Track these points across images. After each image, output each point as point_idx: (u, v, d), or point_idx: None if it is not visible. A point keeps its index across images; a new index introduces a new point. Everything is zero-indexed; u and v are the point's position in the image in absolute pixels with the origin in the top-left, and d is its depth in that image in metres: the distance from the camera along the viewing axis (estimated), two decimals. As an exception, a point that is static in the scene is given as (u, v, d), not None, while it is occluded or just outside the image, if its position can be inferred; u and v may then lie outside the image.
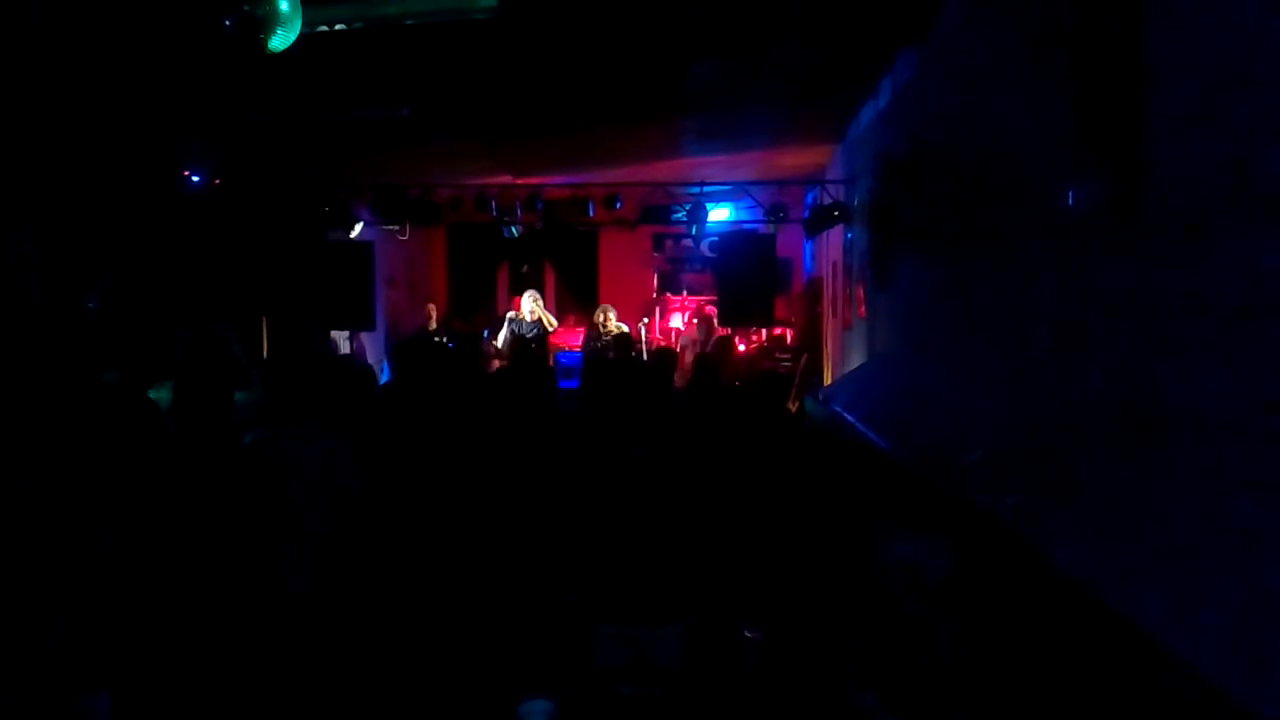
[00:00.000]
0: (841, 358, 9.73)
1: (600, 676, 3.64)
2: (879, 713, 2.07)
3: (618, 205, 10.12)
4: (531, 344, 9.98)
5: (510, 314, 10.83)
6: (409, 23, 4.84)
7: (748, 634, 3.43)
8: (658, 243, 14.17)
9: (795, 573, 4.16)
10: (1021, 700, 2.64)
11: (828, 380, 10.31)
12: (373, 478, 4.10)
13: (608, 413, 4.39)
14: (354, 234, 10.30)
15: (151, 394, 4.27)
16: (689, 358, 10.02)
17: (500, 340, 10.37)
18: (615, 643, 3.65)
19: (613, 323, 10.14)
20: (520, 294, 11.20)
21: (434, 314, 11.92)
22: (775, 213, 10.39)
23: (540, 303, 10.64)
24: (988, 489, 3.50)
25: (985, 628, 2.77)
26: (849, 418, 6.20)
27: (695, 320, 12.42)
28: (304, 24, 4.16)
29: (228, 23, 4.02)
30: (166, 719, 3.31)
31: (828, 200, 9.71)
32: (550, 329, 10.50)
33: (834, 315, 10.39)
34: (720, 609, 3.95)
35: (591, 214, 10.17)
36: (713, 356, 7.30)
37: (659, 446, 3.80)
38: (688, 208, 10.19)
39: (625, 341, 9.00)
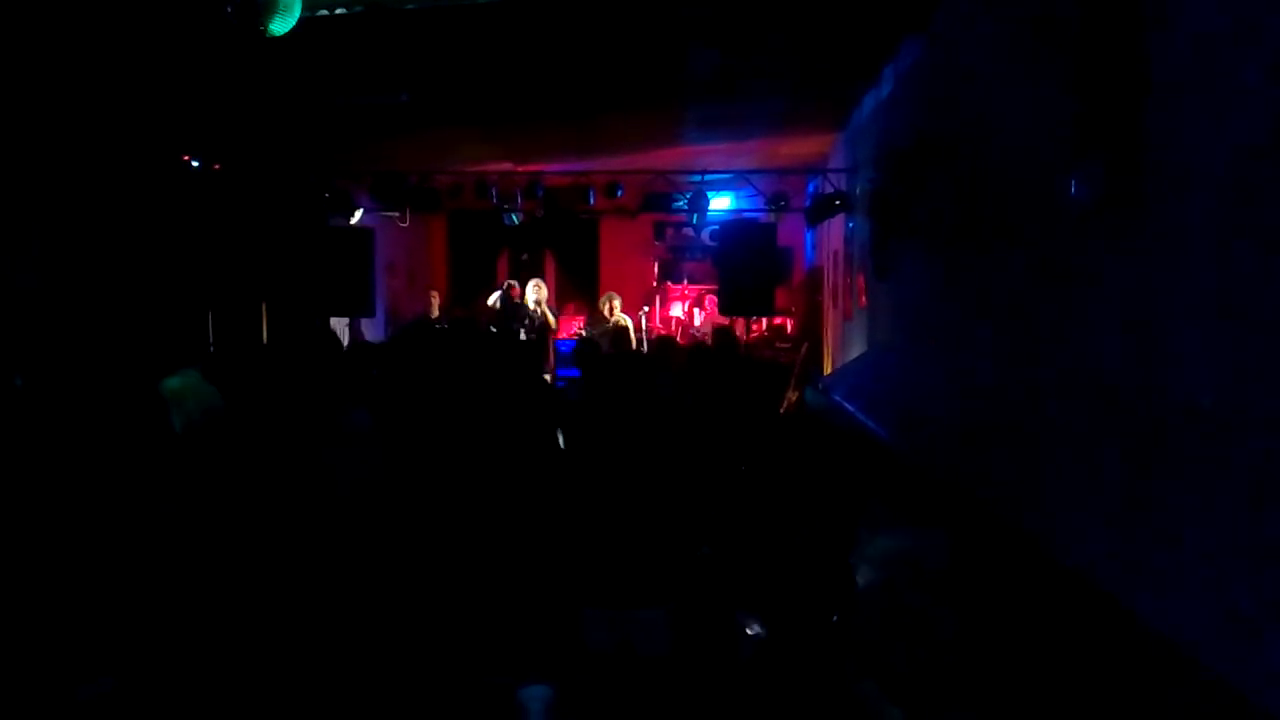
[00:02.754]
0: (842, 347, 9.73)
1: (590, 660, 3.64)
2: (878, 701, 2.07)
3: (618, 193, 10.09)
4: (531, 332, 9.94)
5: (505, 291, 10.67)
6: (409, 7, 4.82)
7: (748, 623, 3.44)
8: (658, 231, 14.16)
9: (795, 561, 4.16)
10: (1020, 688, 2.64)
11: (828, 370, 10.31)
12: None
13: (601, 400, 4.38)
14: (354, 220, 10.28)
15: (173, 381, 4.27)
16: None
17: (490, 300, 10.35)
18: (604, 627, 3.65)
19: (618, 311, 10.09)
20: (520, 281, 11.13)
21: (436, 301, 11.91)
22: (776, 201, 10.37)
23: (544, 293, 10.54)
24: (986, 480, 3.50)
25: (984, 616, 2.77)
26: (849, 407, 6.21)
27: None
28: (304, 8, 4.14)
29: (229, 7, 4.01)
30: (169, 703, 3.31)
31: (829, 189, 9.69)
32: (551, 328, 10.36)
33: (834, 305, 10.38)
34: (714, 595, 3.95)
35: (592, 202, 10.14)
36: (711, 347, 7.27)
37: (653, 430, 3.78)
38: (689, 196, 10.17)
39: (623, 336, 8.96)
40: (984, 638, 2.66)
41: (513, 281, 10.93)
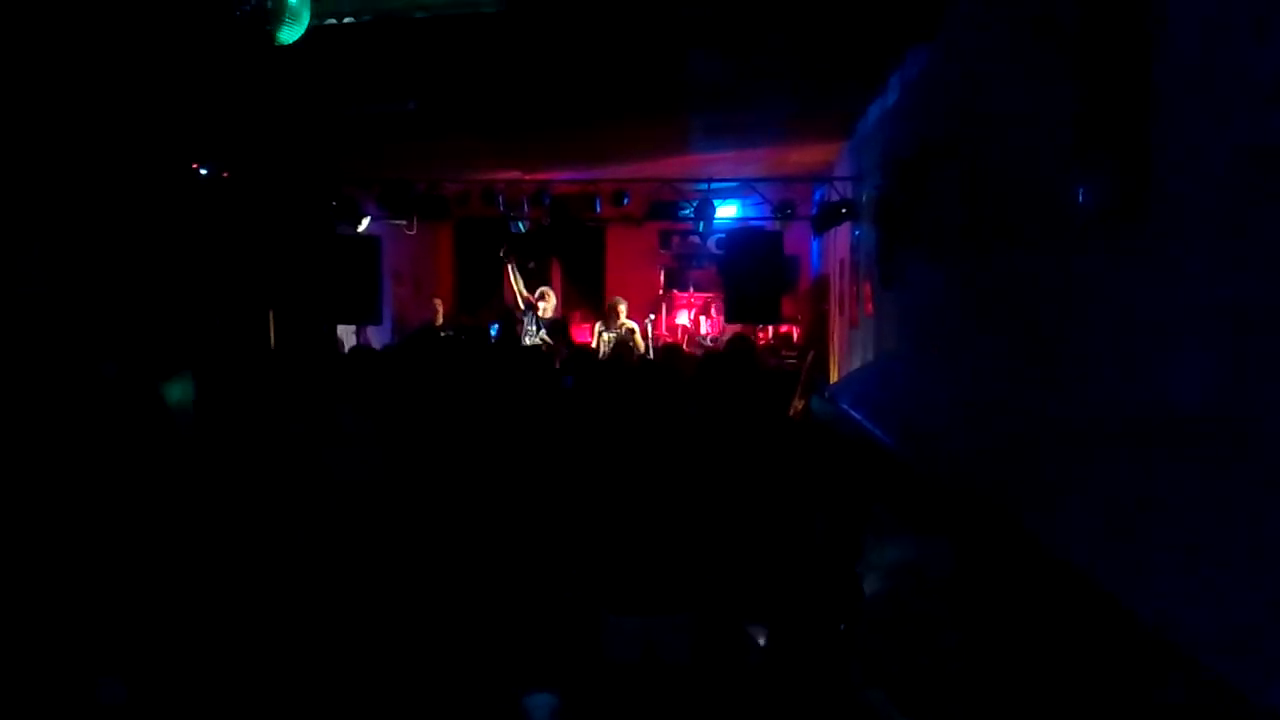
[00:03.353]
0: (848, 356, 9.72)
1: (610, 670, 3.64)
2: (885, 709, 2.07)
3: (625, 201, 10.11)
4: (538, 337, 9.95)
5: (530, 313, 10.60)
6: (418, 16, 4.85)
7: (755, 632, 3.44)
8: (664, 239, 14.15)
9: (802, 569, 4.16)
10: (1026, 695, 2.63)
11: (834, 378, 10.30)
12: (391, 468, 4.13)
13: (609, 410, 4.40)
14: (361, 228, 10.31)
15: (173, 390, 4.29)
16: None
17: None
18: (625, 636, 3.64)
19: (624, 316, 10.11)
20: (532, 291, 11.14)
21: (440, 309, 11.93)
22: (783, 210, 10.37)
23: (552, 301, 10.53)
24: (992, 487, 3.49)
25: (990, 624, 2.76)
26: (855, 415, 6.20)
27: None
28: (312, 17, 4.17)
29: (237, 15, 4.04)
30: (179, 705, 3.32)
31: (835, 197, 9.69)
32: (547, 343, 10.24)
33: (840, 313, 10.37)
34: (726, 604, 3.95)
35: (599, 210, 10.16)
36: (727, 354, 7.26)
37: (667, 439, 3.79)
38: (695, 204, 10.18)
39: (623, 346, 8.98)
40: (989, 645, 2.65)
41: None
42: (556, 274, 14.25)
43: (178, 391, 4.64)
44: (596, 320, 10.77)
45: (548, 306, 10.31)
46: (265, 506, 3.84)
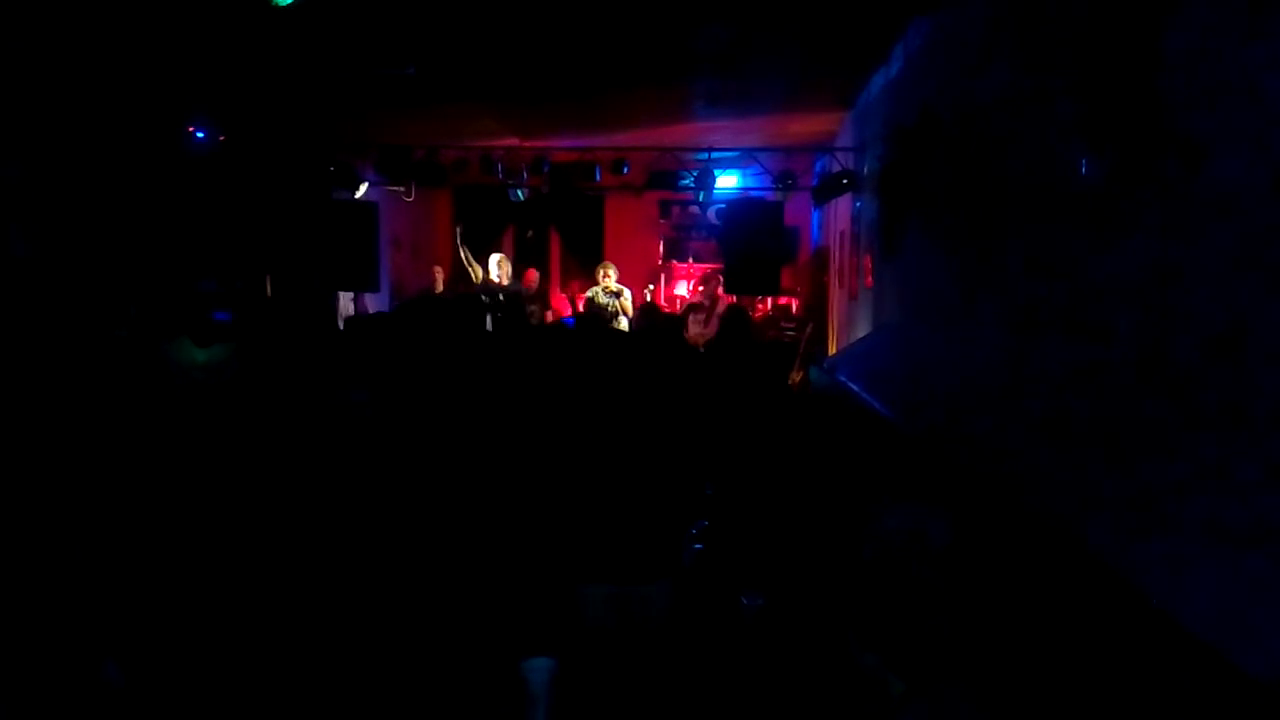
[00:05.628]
0: (847, 328, 9.71)
1: (589, 635, 3.66)
2: (881, 673, 2.09)
3: (625, 170, 10.05)
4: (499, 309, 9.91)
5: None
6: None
7: (751, 597, 3.46)
8: (664, 209, 14.10)
9: (799, 537, 4.18)
10: (1021, 661, 2.65)
11: (833, 350, 10.30)
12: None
13: (602, 377, 4.38)
14: (359, 194, 10.25)
15: (201, 353, 4.27)
16: (692, 323, 10.01)
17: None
18: (603, 603, 3.66)
19: (613, 282, 10.08)
20: (529, 265, 11.11)
21: (440, 277, 11.90)
22: (783, 180, 10.32)
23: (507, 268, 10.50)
24: (991, 458, 3.50)
25: (986, 591, 2.78)
26: (853, 387, 6.20)
27: (701, 286, 12.38)
28: (311, -23, 4.12)
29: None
30: (176, 687, 3.33)
31: (837, 168, 9.64)
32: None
33: (840, 285, 10.35)
34: (716, 569, 3.97)
35: (598, 178, 10.10)
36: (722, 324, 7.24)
37: (651, 408, 3.77)
38: (695, 174, 10.13)
39: (650, 311, 8.94)
40: (985, 612, 2.67)
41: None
42: (555, 243, 14.20)
43: (177, 355, 4.63)
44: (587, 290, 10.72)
45: (503, 274, 10.25)
46: (263, 471, 3.85)
